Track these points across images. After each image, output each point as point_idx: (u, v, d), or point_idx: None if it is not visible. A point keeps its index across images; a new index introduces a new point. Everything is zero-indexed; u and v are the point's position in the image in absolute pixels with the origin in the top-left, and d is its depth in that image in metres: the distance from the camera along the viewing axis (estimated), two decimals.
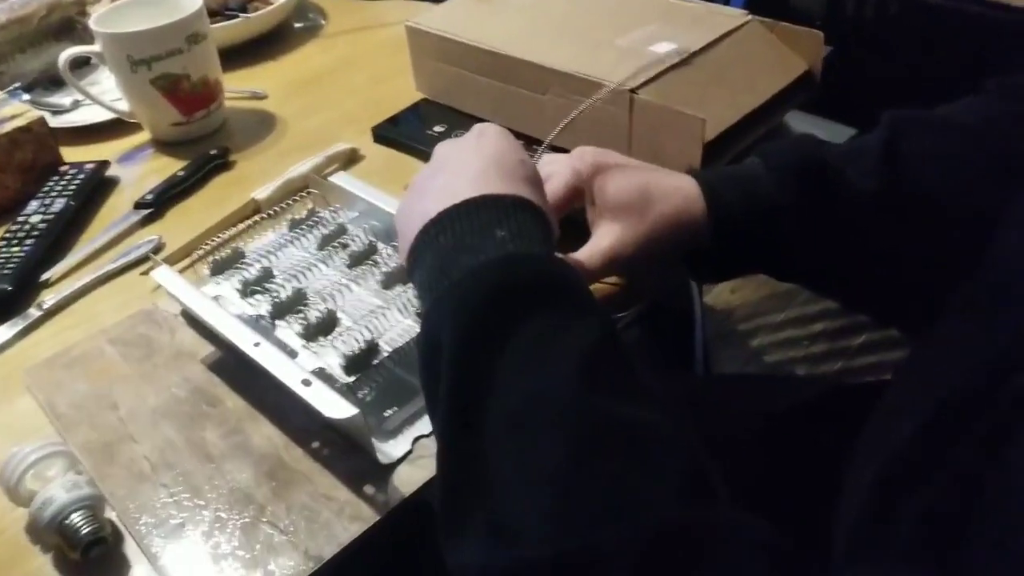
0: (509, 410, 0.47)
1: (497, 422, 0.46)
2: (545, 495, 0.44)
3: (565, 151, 0.85)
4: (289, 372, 0.64)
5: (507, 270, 0.52)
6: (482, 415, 0.47)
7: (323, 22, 1.40)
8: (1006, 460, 0.38)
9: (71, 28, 1.20)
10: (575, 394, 0.46)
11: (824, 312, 2.04)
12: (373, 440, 0.65)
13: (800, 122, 0.97)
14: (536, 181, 0.61)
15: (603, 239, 0.67)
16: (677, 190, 0.66)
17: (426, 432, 0.66)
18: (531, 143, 0.88)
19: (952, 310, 0.53)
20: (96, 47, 1.02)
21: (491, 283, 0.51)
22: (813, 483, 0.60)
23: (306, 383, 0.63)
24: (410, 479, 0.64)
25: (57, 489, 0.61)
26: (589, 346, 0.48)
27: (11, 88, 1.09)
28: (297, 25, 1.40)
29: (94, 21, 1.01)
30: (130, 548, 0.62)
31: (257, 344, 0.67)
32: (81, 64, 1.10)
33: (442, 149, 0.65)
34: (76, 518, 0.60)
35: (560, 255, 0.65)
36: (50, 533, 0.60)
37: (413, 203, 0.61)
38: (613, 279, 0.76)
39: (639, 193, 0.66)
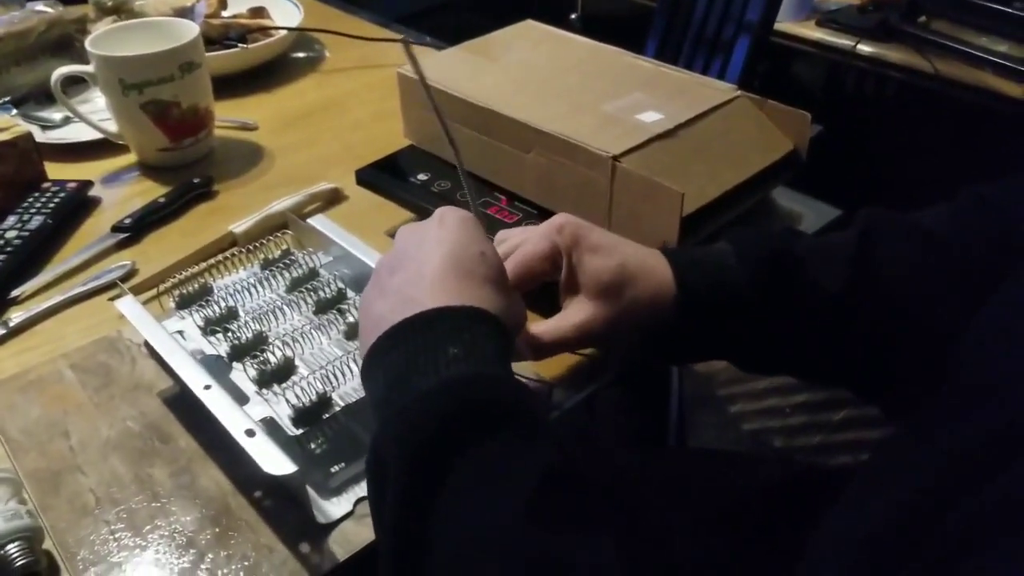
0: (450, 545, 0.46)
1: (439, 557, 0.46)
2: None
3: (548, 212, 0.85)
4: (235, 420, 0.63)
5: (453, 395, 0.50)
6: (425, 549, 0.46)
7: (325, 55, 1.41)
8: None
9: (69, 45, 1.20)
10: (516, 531, 0.45)
11: (806, 384, 2.04)
12: (316, 497, 0.64)
13: (786, 199, 0.98)
14: (496, 277, 0.60)
15: (575, 314, 0.66)
16: (652, 273, 0.66)
17: None
18: (513, 199, 0.89)
19: (926, 406, 0.52)
20: (90, 68, 1.03)
21: (436, 410, 0.49)
22: (775, 570, 0.59)
23: (250, 433, 0.62)
24: (355, 538, 0.63)
25: None
26: (536, 475, 0.47)
27: (1, 101, 1.09)
28: (296, 55, 1.41)
29: (90, 42, 1.02)
30: None
31: (208, 387, 0.66)
32: (76, 81, 1.10)
33: (403, 237, 0.63)
34: (12, 549, 0.59)
35: (533, 322, 0.65)
36: None
37: (372, 300, 0.60)
38: (586, 350, 0.76)
39: (617, 276, 0.65)
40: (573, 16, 2.30)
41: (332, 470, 0.67)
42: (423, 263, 0.58)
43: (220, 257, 0.86)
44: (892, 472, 0.52)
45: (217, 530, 0.63)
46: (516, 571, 0.44)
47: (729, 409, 2.02)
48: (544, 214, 0.86)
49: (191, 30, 1.04)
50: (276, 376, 0.72)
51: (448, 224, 0.61)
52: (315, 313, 0.79)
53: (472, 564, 0.45)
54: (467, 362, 0.52)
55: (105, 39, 1.04)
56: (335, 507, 0.64)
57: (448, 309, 0.55)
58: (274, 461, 0.60)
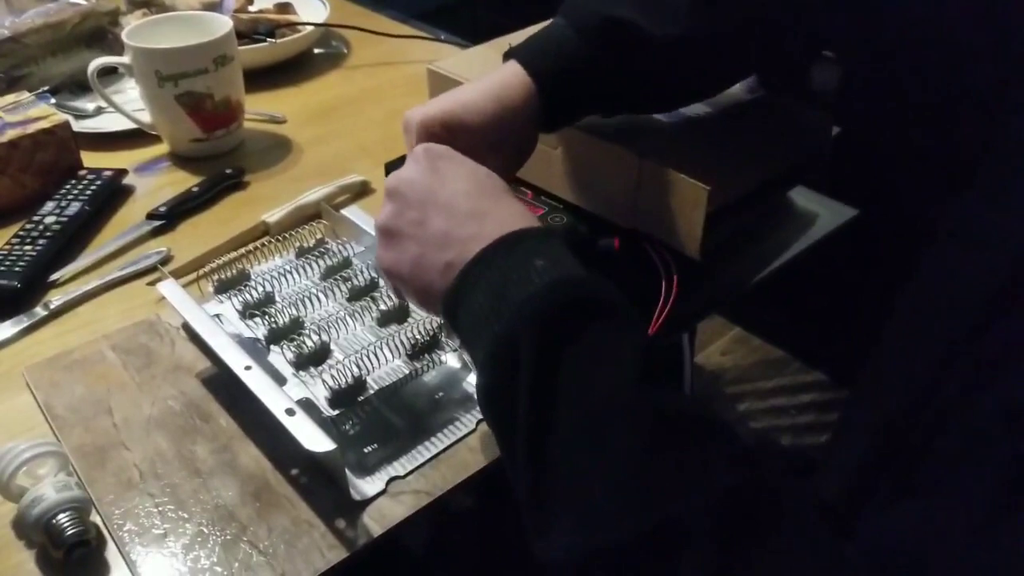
0: (585, 414, 0.51)
1: (576, 427, 0.51)
2: (623, 483, 0.48)
3: (573, 206, 0.88)
4: (275, 399, 0.66)
5: (560, 293, 0.55)
6: (562, 423, 0.51)
7: (345, 51, 1.44)
8: None
9: (102, 37, 1.23)
10: (638, 393, 0.51)
11: (814, 384, 2.05)
12: (349, 476, 0.67)
13: (804, 198, 1.00)
14: (508, 183, 0.65)
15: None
16: (514, 102, 0.71)
17: (402, 473, 0.68)
18: (538, 192, 0.91)
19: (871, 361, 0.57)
20: (126, 59, 1.05)
21: (552, 303, 0.54)
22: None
23: (290, 412, 0.64)
24: (390, 514, 0.65)
25: (47, 488, 0.62)
26: (640, 349, 0.53)
27: (40, 91, 1.12)
28: (318, 51, 1.43)
29: (127, 34, 1.04)
30: (112, 553, 0.64)
31: (248, 368, 0.69)
32: (108, 72, 1.13)
33: (404, 188, 0.65)
34: (63, 519, 0.61)
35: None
36: (36, 531, 0.62)
37: (418, 256, 0.62)
38: None
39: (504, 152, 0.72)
40: None
41: (365, 450, 0.70)
42: (453, 207, 0.62)
43: (257, 244, 0.88)
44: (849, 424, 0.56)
45: (258, 505, 0.66)
46: (640, 420, 0.50)
47: (737, 407, 2.03)
48: (569, 207, 0.88)
49: (225, 24, 1.06)
50: (312, 359, 0.74)
51: (445, 157, 0.65)
52: (348, 300, 0.81)
53: (602, 420, 0.50)
54: (556, 270, 0.56)
55: (141, 32, 1.07)
56: (369, 485, 0.67)
57: (516, 233, 0.59)
58: (314, 439, 0.62)
